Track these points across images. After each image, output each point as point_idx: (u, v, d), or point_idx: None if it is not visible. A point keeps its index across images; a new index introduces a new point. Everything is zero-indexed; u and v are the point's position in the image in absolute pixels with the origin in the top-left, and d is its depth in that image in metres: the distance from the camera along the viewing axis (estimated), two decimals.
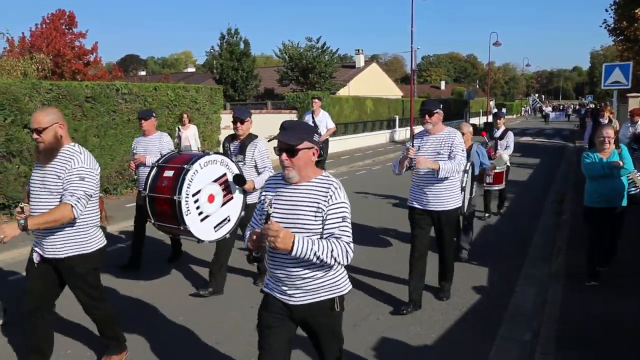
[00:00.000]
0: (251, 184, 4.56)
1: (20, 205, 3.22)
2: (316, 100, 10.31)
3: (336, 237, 2.31)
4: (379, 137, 23.74)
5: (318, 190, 2.35)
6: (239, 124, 4.80)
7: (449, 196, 4.44)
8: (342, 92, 29.46)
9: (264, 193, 2.52)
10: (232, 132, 4.96)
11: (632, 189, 5.01)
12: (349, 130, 21.22)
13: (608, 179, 4.75)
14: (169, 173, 4.29)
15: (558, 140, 25.64)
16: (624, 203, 4.87)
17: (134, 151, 5.75)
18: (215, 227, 4.39)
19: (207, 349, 3.88)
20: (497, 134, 8.44)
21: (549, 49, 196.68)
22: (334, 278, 2.45)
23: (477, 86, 76.57)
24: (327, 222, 2.32)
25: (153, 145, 5.60)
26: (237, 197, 4.55)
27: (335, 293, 2.46)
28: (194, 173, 4.19)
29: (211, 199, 4.34)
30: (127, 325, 4.13)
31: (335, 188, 2.36)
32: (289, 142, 2.32)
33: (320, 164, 9.73)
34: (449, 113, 32.86)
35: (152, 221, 4.46)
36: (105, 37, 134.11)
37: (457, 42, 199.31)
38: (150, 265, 5.83)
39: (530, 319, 4.35)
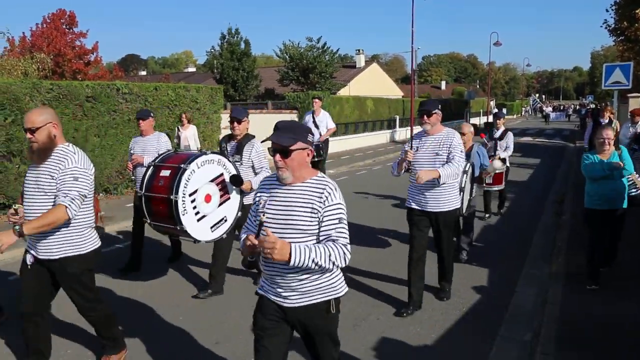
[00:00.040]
0: (248, 184, 4.54)
1: (14, 206, 3.19)
2: (317, 100, 10.31)
3: (333, 240, 2.29)
4: (380, 137, 23.74)
5: (313, 191, 2.33)
6: (235, 124, 4.78)
7: (447, 197, 4.42)
8: (343, 92, 29.48)
9: (258, 194, 2.49)
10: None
11: (633, 190, 5.00)
12: (350, 130, 21.22)
13: (609, 180, 4.72)
14: (165, 172, 4.26)
15: (558, 140, 25.63)
16: (625, 205, 4.85)
17: (132, 151, 5.72)
18: (211, 228, 4.36)
19: (207, 349, 3.88)
20: (497, 134, 8.42)
21: (550, 49, 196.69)
22: (330, 280, 2.43)
23: (478, 86, 76.57)
24: (323, 224, 2.30)
25: (151, 146, 5.57)
26: (234, 197, 4.52)
27: (331, 295, 2.43)
28: (191, 173, 4.16)
29: (208, 199, 4.31)
30: (127, 325, 4.13)
31: (331, 189, 2.33)
32: (282, 143, 2.29)
33: (320, 164, 9.72)
34: (450, 113, 32.96)
35: (148, 221, 4.42)
36: (105, 36, 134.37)
37: (458, 42, 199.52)
38: (150, 265, 5.83)
39: (531, 319, 4.34)
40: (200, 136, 11.49)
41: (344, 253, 2.28)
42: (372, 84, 35.74)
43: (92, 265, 3.35)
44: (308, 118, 10.17)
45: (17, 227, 2.91)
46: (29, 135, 3.08)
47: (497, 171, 8.03)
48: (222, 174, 4.41)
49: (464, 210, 5.28)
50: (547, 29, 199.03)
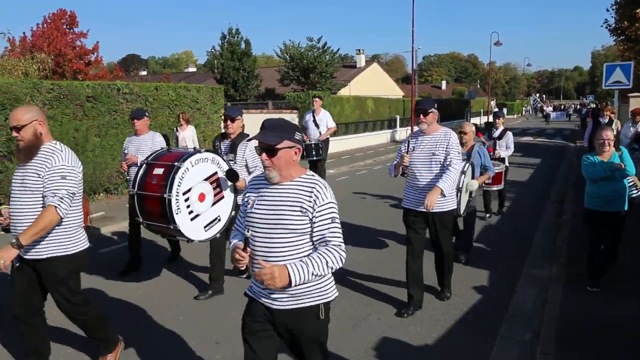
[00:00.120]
0: (243, 182, 4.50)
1: None
2: (317, 99, 10.30)
3: (327, 241, 2.26)
4: (380, 137, 23.73)
5: (301, 190, 2.28)
6: (229, 122, 4.75)
7: (443, 197, 4.33)
8: (343, 92, 29.46)
9: (247, 194, 2.45)
10: None
11: (633, 192, 4.98)
12: (350, 130, 21.22)
13: (609, 181, 4.68)
14: (158, 170, 4.19)
15: (559, 140, 25.62)
16: (626, 207, 4.80)
17: (125, 151, 5.68)
18: (205, 227, 4.32)
19: (207, 349, 3.87)
20: (496, 133, 8.42)
21: (550, 48, 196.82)
22: (320, 283, 2.36)
23: (478, 86, 76.45)
24: (316, 225, 2.26)
25: (145, 145, 5.52)
26: (228, 196, 4.48)
27: (320, 299, 2.36)
28: (185, 171, 4.11)
29: (202, 197, 4.27)
30: (127, 325, 4.14)
31: (320, 187, 2.28)
32: (267, 142, 2.25)
33: (320, 163, 9.73)
34: (450, 113, 32.97)
35: (141, 220, 4.36)
36: (106, 37, 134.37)
37: (458, 42, 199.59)
38: (150, 265, 5.83)
39: (531, 319, 4.34)
40: (201, 136, 11.49)
41: (339, 254, 2.25)
42: (373, 83, 35.73)
43: (79, 268, 3.29)
44: (308, 117, 10.18)
45: (14, 241, 2.91)
46: (15, 134, 3.05)
47: (497, 169, 7.96)
48: (216, 173, 4.37)
49: (462, 211, 5.24)
50: (548, 28, 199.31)
